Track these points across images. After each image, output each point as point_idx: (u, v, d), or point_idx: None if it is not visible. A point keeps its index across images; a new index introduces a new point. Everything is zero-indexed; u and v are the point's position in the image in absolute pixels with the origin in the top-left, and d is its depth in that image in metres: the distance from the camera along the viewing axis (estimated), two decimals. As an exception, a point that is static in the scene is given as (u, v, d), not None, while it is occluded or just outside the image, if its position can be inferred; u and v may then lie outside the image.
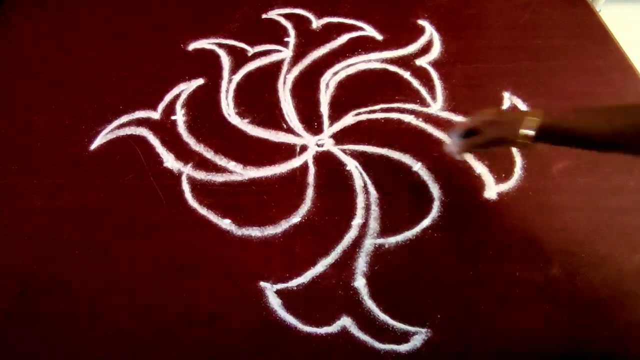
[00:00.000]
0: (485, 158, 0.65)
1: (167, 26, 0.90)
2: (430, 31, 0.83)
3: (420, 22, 0.85)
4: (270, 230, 0.61)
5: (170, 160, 0.69)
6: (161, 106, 0.76)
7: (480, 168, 0.65)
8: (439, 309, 0.53)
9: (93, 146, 0.72)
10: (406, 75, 0.77)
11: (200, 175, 0.67)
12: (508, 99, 0.72)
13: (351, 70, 0.78)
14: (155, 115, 0.75)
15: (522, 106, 0.71)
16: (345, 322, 0.53)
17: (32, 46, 0.88)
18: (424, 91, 0.74)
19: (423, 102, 0.73)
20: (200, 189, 0.66)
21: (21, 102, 0.78)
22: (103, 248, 0.61)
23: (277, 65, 0.80)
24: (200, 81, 0.79)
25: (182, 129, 0.73)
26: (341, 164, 0.67)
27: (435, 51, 0.80)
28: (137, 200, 0.65)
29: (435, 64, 0.78)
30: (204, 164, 0.68)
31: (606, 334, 0.51)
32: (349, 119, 0.72)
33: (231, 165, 0.68)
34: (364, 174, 0.65)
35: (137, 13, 0.93)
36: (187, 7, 0.93)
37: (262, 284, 0.56)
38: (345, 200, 0.63)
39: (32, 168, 0.69)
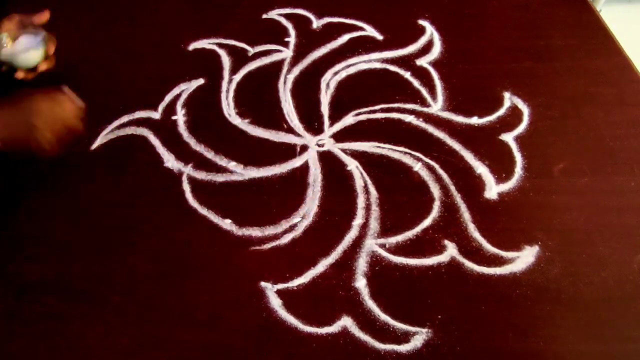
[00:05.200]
0: (486, 158, 0.65)
1: (167, 26, 0.90)
2: (430, 31, 0.83)
3: (421, 22, 0.85)
4: (271, 230, 0.61)
5: (170, 160, 0.69)
6: (162, 106, 0.76)
7: (481, 168, 0.64)
8: (439, 309, 0.53)
9: (93, 146, 0.72)
10: (406, 75, 0.77)
11: (201, 175, 0.67)
12: (508, 99, 0.72)
13: (351, 70, 0.78)
14: (156, 115, 0.75)
15: (523, 106, 0.71)
16: (346, 322, 0.53)
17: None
18: (424, 91, 0.74)
19: (423, 102, 0.73)
20: (201, 189, 0.66)
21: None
22: (103, 248, 0.61)
23: (278, 65, 0.80)
24: (200, 81, 0.79)
25: (182, 129, 0.73)
26: (342, 164, 0.67)
27: (436, 51, 0.80)
28: (137, 200, 0.65)
29: (435, 64, 0.78)
30: (204, 164, 0.68)
31: (608, 334, 0.51)
32: (349, 119, 0.72)
33: (231, 165, 0.68)
34: (365, 174, 0.65)
35: (137, 13, 0.93)
36: (187, 7, 0.93)
37: (263, 284, 0.56)
38: (345, 200, 0.63)
39: (32, 168, 0.69)
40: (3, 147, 0.50)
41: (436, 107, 0.72)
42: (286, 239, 0.60)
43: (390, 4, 0.89)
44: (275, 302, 0.55)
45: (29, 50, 0.64)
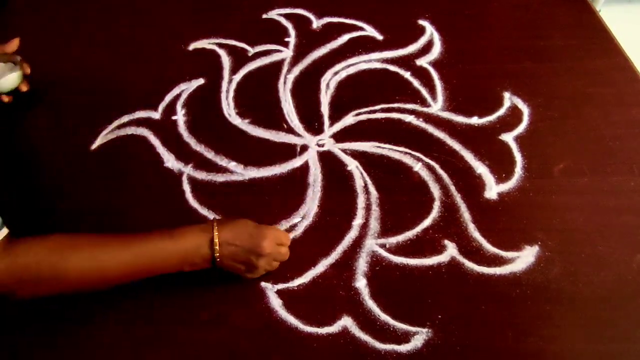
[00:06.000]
0: (486, 158, 0.65)
1: (167, 26, 0.90)
2: (430, 31, 0.83)
3: (421, 22, 0.85)
4: (271, 231, 0.61)
5: (170, 160, 0.69)
6: (162, 106, 0.76)
7: (481, 168, 0.65)
8: (439, 309, 0.53)
9: (93, 146, 0.72)
10: (406, 75, 0.77)
11: (201, 175, 0.67)
12: (508, 99, 0.72)
13: (352, 70, 0.78)
14: (156, 115, 0.75)
15: (523, 106, 0.71)
16: (346, 322, 0.53)
17: (34, 47, 0.88)
18: (424, 91, 0.74)
19: (423, 102, 0.73)
20: (201, 189, 0.66)
21: (21, 102, 0.78)
22: (103, 248, 0.61)
23: (278, 65, 0.80)
24: (200, 81, 0.79)
25: (182, 129, 0.73)
26: (342, 164, 0.67)
27: (436, 51, 0.80)
28: (137, 200, 0.65)
29: (435, 64, 0.78)
30: (204, 164, 0.68)
31: (608, 334, 0.51)
32: (349, 119, 0.72)
33: (232, 165, 0.68)
34: (365, 174, 0.65)
35: (137, 13, 0.93)
36: (187, 7, 0.93)
37: (263, 284, 0.56)
38: (346, 200, 0.63)
39: (32, 169, 0.69)
40: (218, 265, 0.52)
41: (436, 107, 0.72)
42: (286, 239, 0.60)
43: (390, 4, 0.89)
44: (276, 302, 0.55)
45: (7, 74, 0.70)
